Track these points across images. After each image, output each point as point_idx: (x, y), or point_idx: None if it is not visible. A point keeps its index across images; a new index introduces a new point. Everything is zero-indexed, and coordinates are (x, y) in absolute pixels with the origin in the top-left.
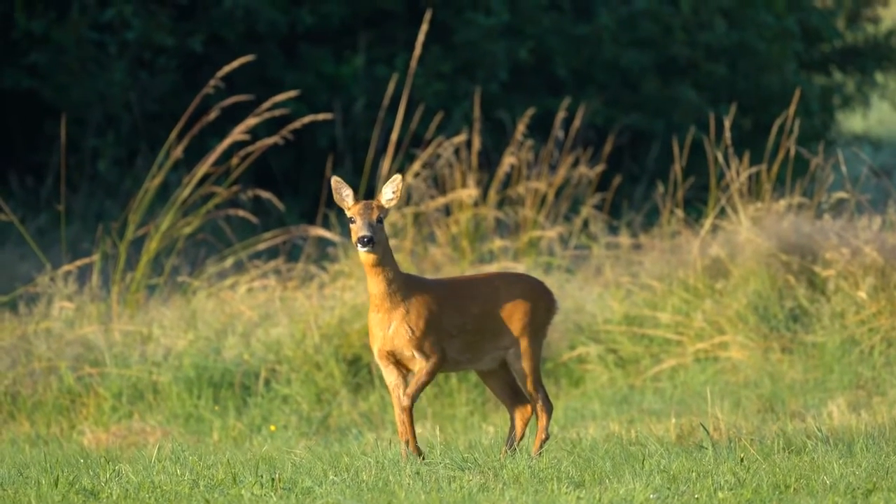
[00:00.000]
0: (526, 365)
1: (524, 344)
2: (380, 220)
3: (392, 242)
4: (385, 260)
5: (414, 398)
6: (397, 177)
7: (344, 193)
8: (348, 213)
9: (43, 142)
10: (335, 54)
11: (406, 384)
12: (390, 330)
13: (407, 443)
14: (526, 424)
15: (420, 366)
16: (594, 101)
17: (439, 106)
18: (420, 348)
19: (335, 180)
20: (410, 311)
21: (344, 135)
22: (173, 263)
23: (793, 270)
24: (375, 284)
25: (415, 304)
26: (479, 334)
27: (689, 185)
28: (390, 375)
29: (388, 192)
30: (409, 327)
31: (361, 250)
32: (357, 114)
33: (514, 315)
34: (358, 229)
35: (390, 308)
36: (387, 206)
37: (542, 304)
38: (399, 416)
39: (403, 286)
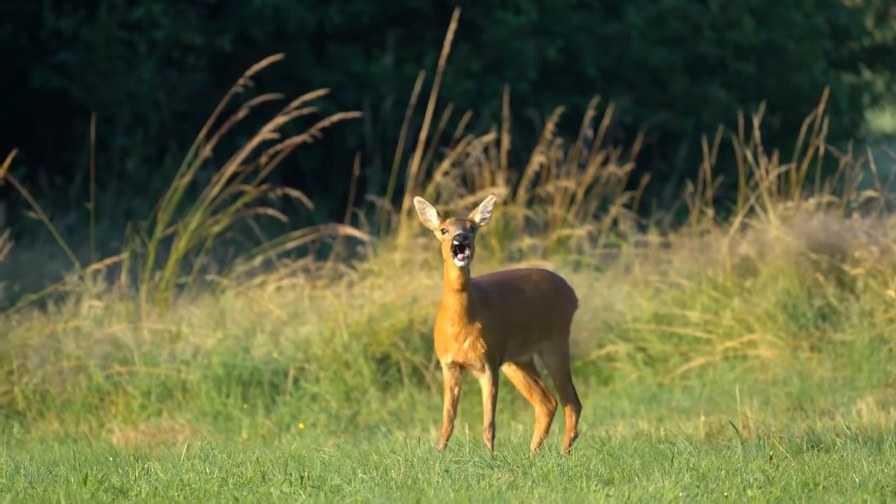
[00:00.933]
0: (558, 360)
1: (557, 339)
2: (473, 230)
3: (421, 241)
4: (469, 279)
5: (493, 429)
6: (493, 197)
7: (428, 213)
8: (438, 228)
9: (72, 140)
10: (364, 53)
11: (461, 383)
12: (465, 344)
13: (447, 441)
14: (551, 419)
15: (485, 387)
16: (623, 99)
17: (468, 105)
18: (489, 359)
19: (418, 200)
20: (484, 324)
21: (373, 133)
22: (202, 262)
23: (822, 269)
24: (458, 301)
25: (487, 317)
26: (527, 330)
27: (719, 183)
28: (451, 376)
29: (485, 211)
30: (484, 339)
31: (458, 263)
32: (386, 112)
33: (550, 310)
34: (451, 237)
35: (467, 323)
36: (480, 223)
37: (569, 299)
38: (448, 412)
39: (476, 301)
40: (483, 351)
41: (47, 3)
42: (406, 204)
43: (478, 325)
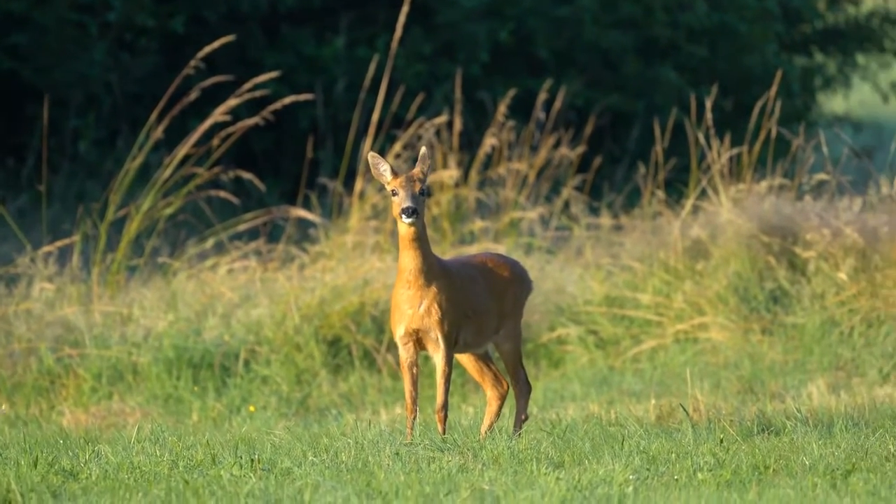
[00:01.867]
0: (512, 344)
1: (511, 325)
2: (422, 193)
3: (372, 224)
4: (423, 235)
5: (446, 410)
6: (423, 150)
7: (381, 168)
8: (389, 187)
9: (24, 123)
10: (316, 35)
11: (418, 362)
12: (421, 308)
13: (414, 420)
14: (503, 402)
15: (439, 365)
16: (575, 82)
17: (420, 87)
18: (444, 331)
19: (372, 155)
20: (441, 291)
21: (325, 116)
22: (154, 244)
23: (773, 251)
24: (412, 259)
25: (444, 284)
26: (484, 315)
27: (671, 166)
28: (407, 353)
29: (423, 163)
30: (440, 306)
31: (406, 221)
32: (338, 95)
33: (506, 296)
34: (401, 201)
35: (424, 285)
36: (425, 177)
37: (525, 285)
38: (409, 394)
39: (435, 264)
40: (438, 317)
41: None
42: (358, 186)
43: (434, 289)
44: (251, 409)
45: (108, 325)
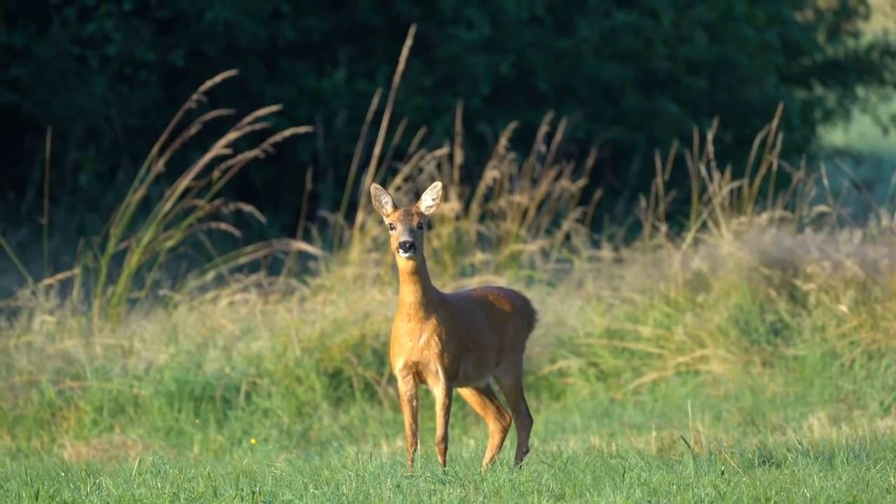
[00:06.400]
0: (513, 378)
1: (513, 358)
2: (420, 227)
3: (373, 256)
4: (423, 268)
5: (446, 442)
6: (438, 184)
7: (383, 200)
8: (387, 220)
9: (24, 155)
10: (316, 68)
11: (418, 395)
12: (420, 340)
13: (414, 452)
14: (505, 435)
15: (438, 398)
16: (575, 114)
17: (421, 120)
18: (444, 364)
19: (374, 187)
20: (441, 323)
21: (325, 148)
22: (154, 277)
23: (774, 284)
24: (411, 293)
25: (444, 316)
26: (484, 349)
27: (671, 198)
28: (407, 386)
29: (428, 199)
30: (440, 339)
31: (403, 256)
32: (338, 127)
33: (506, 330)
34: (399, 235)
35: (423, 318)
36: (426, 212)
37: (527, 318)
38: (410, 426)
39: (435, 297)
40: (437, 350)
41: None
42: (359, 219)
43: (434, 321)
44: (252, 441)
45: (109, 358)
